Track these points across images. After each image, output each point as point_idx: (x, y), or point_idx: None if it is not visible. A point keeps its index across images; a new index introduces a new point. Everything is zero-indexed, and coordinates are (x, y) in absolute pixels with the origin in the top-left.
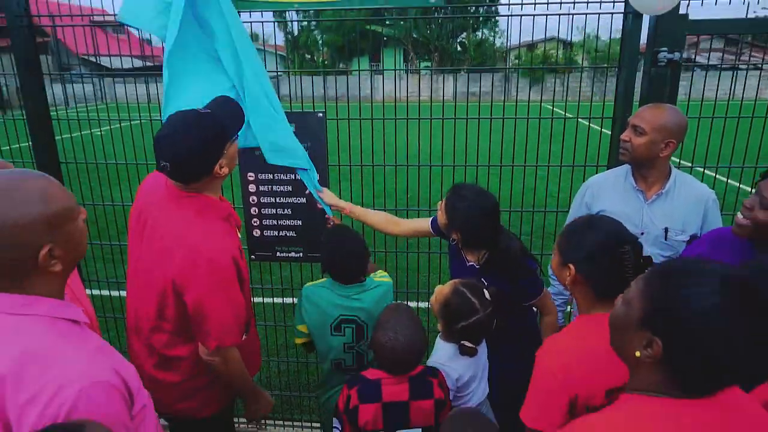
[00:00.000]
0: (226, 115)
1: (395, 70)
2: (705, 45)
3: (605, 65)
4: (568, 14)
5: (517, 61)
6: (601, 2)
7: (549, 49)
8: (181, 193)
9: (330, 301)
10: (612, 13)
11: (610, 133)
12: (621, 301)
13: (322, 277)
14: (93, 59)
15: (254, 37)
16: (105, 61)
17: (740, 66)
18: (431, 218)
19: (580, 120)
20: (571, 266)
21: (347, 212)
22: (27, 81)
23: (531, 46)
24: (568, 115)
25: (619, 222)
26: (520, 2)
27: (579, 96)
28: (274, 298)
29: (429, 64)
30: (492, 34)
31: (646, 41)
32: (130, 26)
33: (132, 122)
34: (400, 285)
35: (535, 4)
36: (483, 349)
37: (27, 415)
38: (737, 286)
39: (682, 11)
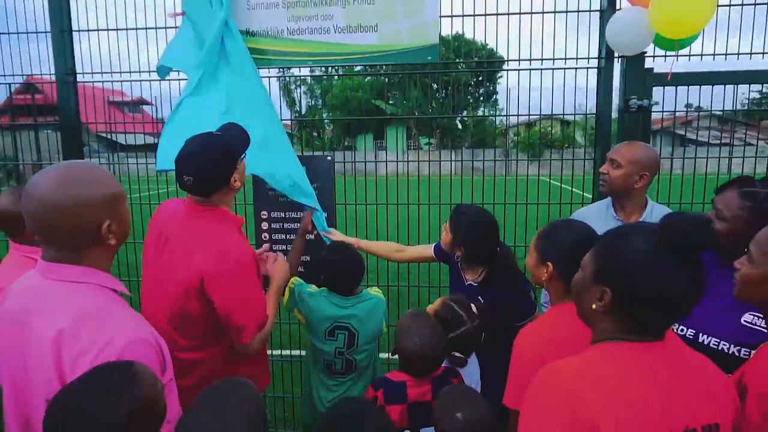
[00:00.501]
0: (235, 136)
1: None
2: (702, 122)
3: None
4: (543, 69)
5: (516, 138)
6: (577, 59)
7: (546, 126)
8: (198, 207)
9: (326, 309)
10: (587, 68)
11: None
12: (579, 270)
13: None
14: (108, 136)
15: None
16: (120, 138)
17: (734, 143)
18: (434, 244)
19: (576, 191)
20: (549, 264)
21: (355, 247)
22: (69, 141)
23: (529, 124)
24: (566, 187)
25: (590, 226)
26: (505, 60)
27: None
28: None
29: (430, 140)
30: (491, 111)
31: (619, 92)
32: (171, 68)
33: (141, 194)
34: (402, 305)
35: (519, 60)
36: (474, 364)
37: (81, 363)
38: (658, 233)
39: (648, 65)
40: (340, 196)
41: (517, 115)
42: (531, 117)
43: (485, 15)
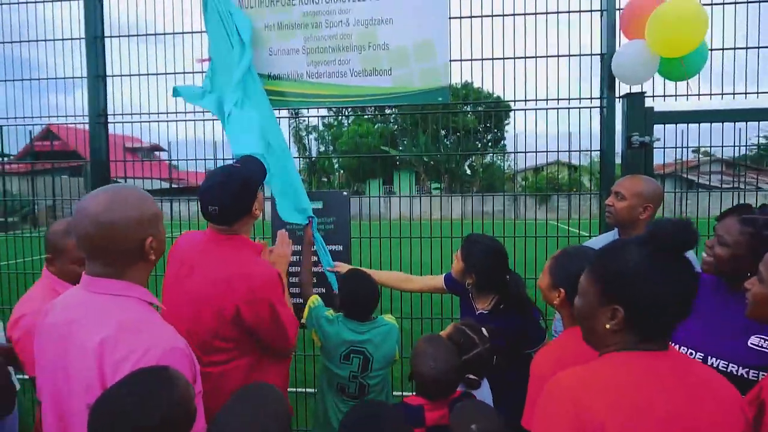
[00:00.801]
0: (253, 169)
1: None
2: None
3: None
4: (549, 109)
5: (524, 182)
6: (580, 99)
7: (552, 171)
8: (221, 237)
9: (343, 334)
10: (590, 108)
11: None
12: (576, 298)
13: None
14: (123, 180)
15: None
16: (138, 183)
17: (742, 187)
18: (444, 275)
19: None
20: (562, 290)
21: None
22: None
23: (537, 169)
24: (573, 230)
25: None
26: (511, 105)
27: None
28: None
29: (440, 185)
30: (500, 157)
31: (622, 129)
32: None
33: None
34: (416, 335)
35: (525, 100)
36: (487, 388)
37: (121, 369)
38: (647, 240)
39: (648, 104)
40: (354, 231)
41: (525, 154)
42: (538, 161)
43: (492, 59)
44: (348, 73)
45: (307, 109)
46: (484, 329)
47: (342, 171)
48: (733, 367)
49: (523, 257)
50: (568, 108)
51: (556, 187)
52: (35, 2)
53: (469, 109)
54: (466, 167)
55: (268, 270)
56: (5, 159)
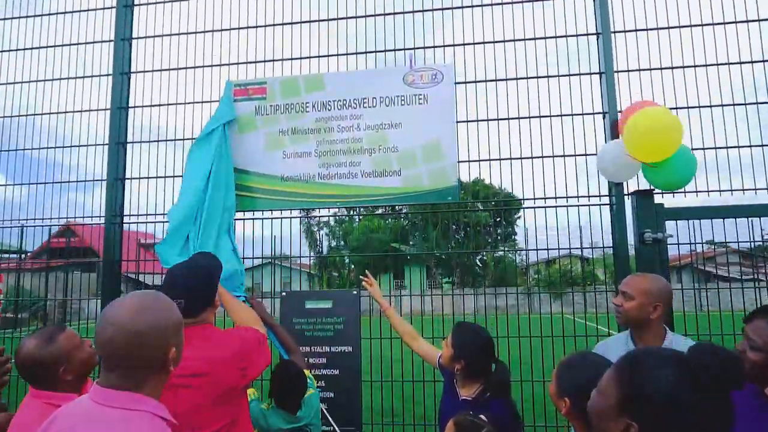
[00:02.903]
0: (211, 263)
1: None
2: (722, 259)
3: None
4: (558, 207)
5: (536, 276)
6: (589, 196)
7: (565, 264)
8: (190, 329)
9: (280, 424)
10: (599, 205)
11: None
12: (595, 392)
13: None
14: (134, 276)
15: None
16: (148, 279)
17: (761, 278)
18: (439, 354)
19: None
20: (567, 399)
21: (384, 308)
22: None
23: (549, 262)
24: (590, 324)
25: (610, 361)
26: (520, 204)
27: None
28: None
29: (450, 280)
30: (511, 251)
31: (633, 225)
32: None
33: None
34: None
35: (534, 198)
36: None
37: None
38: (690, 365)
39: (657, 200)
40: (364, 328)
41: (536, 247)
42: (550, 254)
43: (500, 159)
44: (359, 174)
45: (318, 209)
46: (482, 416)
47: (353, 266)
48: None
49: (539, 356)
50: (578, 205)
51: (570, 280)
52: (65, 113)
53: (480, 207)
54: (477, 261)
55: (249, 332)
56: (23, 257)
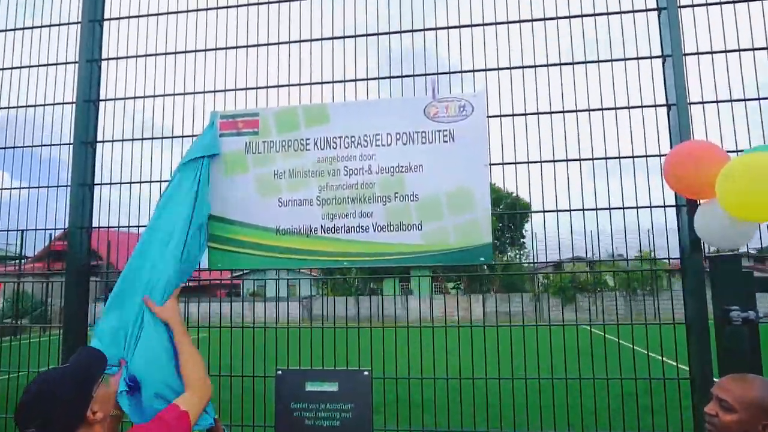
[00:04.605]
0: (85, 363)
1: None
2: None
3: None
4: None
5: (545, 281)
6: (654, 254)
7: (575, 269)
8: None
9: None
10: (670, 270)
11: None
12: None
13: None
14: None
15: None
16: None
17: None
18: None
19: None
20: None
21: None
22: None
23: (558, 265)
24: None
25: None
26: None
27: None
28: None
29: (457, 284)
30: (520, 254)
31: (711, 298)
32: None
33: None
34: None
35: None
36: None
37: None
38: None
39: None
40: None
41: (546, 252)
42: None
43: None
44: (370, 227)
45: (321, 269)
46: None
47: (357, 271)
48: None
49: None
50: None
51: (579, 286)
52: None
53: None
54: (485, 267)
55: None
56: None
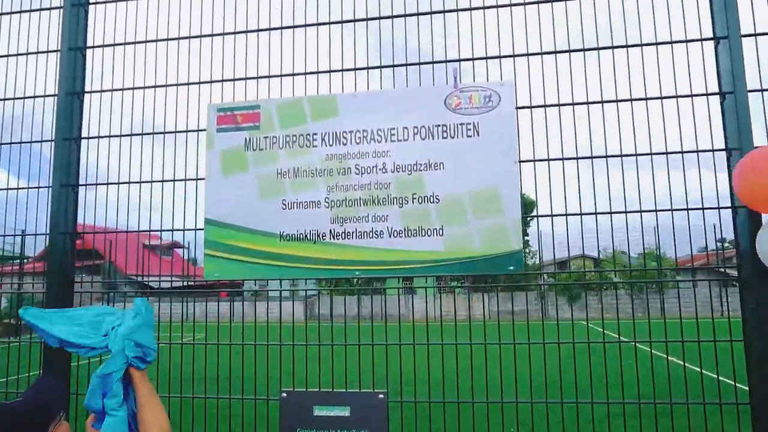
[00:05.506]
0: (40, 400)
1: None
2: None
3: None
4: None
5: (551, 279)
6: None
7: (579, 267)
8: None
9: None
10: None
11: None
12: None
13: None
14: (137, 278)
15: None
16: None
17: None
18: None
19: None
20: None
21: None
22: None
23: (563, 263)
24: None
25: None
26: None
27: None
28: None
29: (461, 282)
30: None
31: None
32: None
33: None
34: None
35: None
36: None
37: None
38: None
39: None
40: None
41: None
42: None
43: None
44: (385, 232)
45: (329, 279)
46: None
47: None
48: None
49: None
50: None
51: (584, 284)
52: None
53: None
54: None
55: None
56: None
